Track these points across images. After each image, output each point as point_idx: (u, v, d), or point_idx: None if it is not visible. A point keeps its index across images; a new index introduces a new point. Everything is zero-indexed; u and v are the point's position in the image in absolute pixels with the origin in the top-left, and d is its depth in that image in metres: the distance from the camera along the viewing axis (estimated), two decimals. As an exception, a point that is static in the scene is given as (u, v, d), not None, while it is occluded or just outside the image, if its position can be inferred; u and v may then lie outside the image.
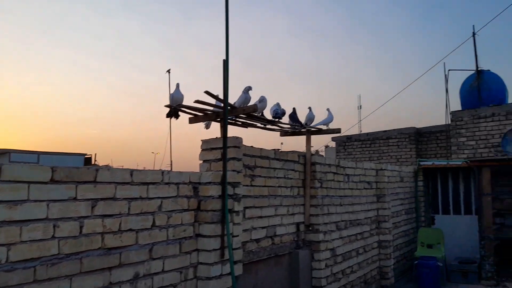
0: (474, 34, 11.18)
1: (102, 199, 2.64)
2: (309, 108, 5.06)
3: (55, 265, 2.35)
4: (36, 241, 2.27)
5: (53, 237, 2.36)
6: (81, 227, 2.50)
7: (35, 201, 2.28)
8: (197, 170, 3.83)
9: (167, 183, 3.13)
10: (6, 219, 2.15)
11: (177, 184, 3.22)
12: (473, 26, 11.25)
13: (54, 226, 2.36)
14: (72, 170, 2.49)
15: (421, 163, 8.97)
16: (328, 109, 5.26)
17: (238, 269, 3.58)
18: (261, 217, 4.25)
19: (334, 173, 5.63)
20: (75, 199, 2.48)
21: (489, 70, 10.79)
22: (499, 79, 10.67)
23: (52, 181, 2.38)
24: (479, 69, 10.74)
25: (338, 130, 5.31)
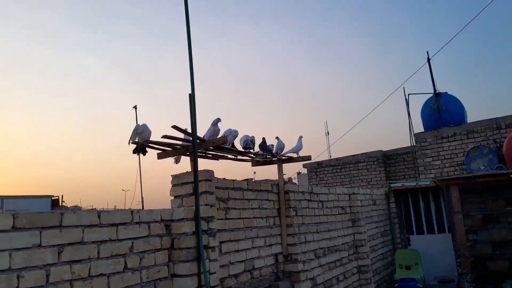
0: (429, 59, 11.74)
1: (69, 244, 2.50)
2: (277, 137, 5.08)
3: (19, 319, 2.18)
4: (-3, 294, 2.11)
5: (17, 288, 2.20)
6: (47, 276, 2.34)
7: (-4, 251, 2.14)
8: (169, 205, 3.72)
9: (137, 223, 3.02)
10: (-37, 273, 1.99)
11: (148, 223, 3.11)
12: (427, 52, 11.84)
13: (18, 277, 2.20)
14: (35, 216, 2.36)
15: (391, 185, 9.13)
16: (300, 137, 5.30)
17: (218, 308, 3.44)
18: (238, 250, 4.14)
19: (308, 200, 5.61)
20: (39, 246, 2.34)
21: (446, 92, 11.28)
22: (457, 100, 11.17)
23: (14, 228, 2.24)
24: (437, 92, 11.22)
25: (308, 158, 5.34)
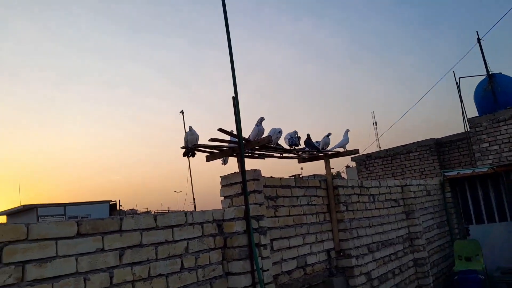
0: (479, 40, 11.14)
1: (129, 247, 2.65)
2: (329, 133, 5.05)
3: (89, 319, 2.34)
4: (68, 296, 2.27)
5: (85, 290, 2.36)
6: (111, 278, 2.50)
7: (64, 256, 2.30)
8: (220, 205, 3.83)
9: (191, 224, 3.13)
10: (37, 277, 2.16)
11: (201, 223, 3.22)
12: (477, 32, 11.24)
13: (84, 280, 2.37)
14: (97, 222, 2.52)
15: (446, 173, 8.77)
16: (347, 130, 5.22)
17: (273, 304, 3.50)
18: (289, 247, 4.17)
19: (359, 194, 5.54)
20: (102, 250, 2.50)
21: (500, 73, 10.66)
22: (513, 80, 10.52)
23: (79, 234, 2.41)
24: (490, 73, 10.63)
25: (356, 151, 5.26)
